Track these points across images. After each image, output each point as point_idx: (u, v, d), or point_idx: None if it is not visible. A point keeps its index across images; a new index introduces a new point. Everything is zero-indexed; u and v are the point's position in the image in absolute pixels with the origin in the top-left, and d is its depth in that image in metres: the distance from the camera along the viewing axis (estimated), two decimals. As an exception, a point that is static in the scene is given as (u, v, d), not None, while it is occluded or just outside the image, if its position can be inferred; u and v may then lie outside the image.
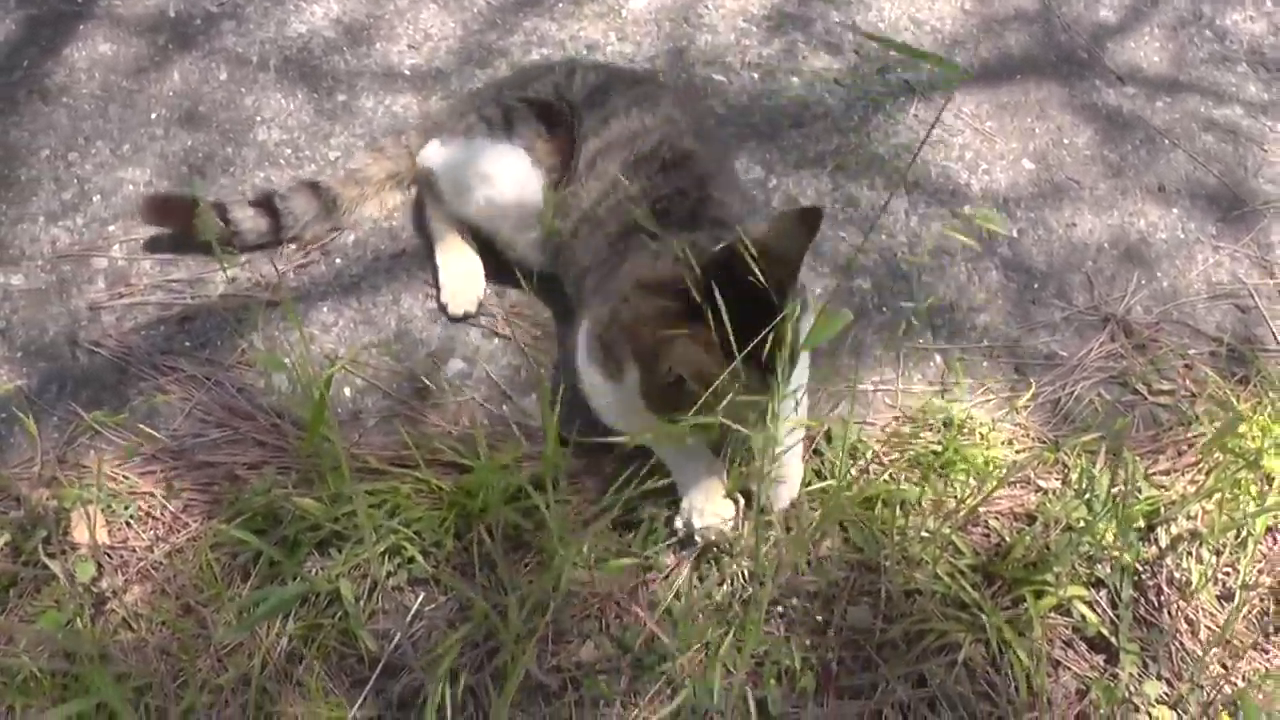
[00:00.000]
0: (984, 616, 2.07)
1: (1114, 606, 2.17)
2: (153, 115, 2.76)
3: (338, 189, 2.56)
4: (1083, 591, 2.15)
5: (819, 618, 2.11)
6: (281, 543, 2.06)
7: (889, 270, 2.63)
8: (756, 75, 2.96)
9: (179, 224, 2.46)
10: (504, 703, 1.81)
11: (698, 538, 2.14)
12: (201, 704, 1.90)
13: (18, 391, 2.27)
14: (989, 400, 2.44)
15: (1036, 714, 2.05)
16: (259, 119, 2.74)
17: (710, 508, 2.14)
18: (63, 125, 2.71)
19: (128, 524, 2.11)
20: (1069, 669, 2.12)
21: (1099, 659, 2.14)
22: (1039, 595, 2.12)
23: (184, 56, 2.87)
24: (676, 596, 2.09)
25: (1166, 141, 2.93)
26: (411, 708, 1.95)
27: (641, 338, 1.93)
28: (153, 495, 2.14)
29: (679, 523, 2.15)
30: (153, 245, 2.52)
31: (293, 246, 2.53)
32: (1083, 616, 2.14)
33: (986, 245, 2.69)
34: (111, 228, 2.54)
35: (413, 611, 2.04)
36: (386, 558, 2.07)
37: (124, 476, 2.16)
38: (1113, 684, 2.09)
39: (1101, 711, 2.07)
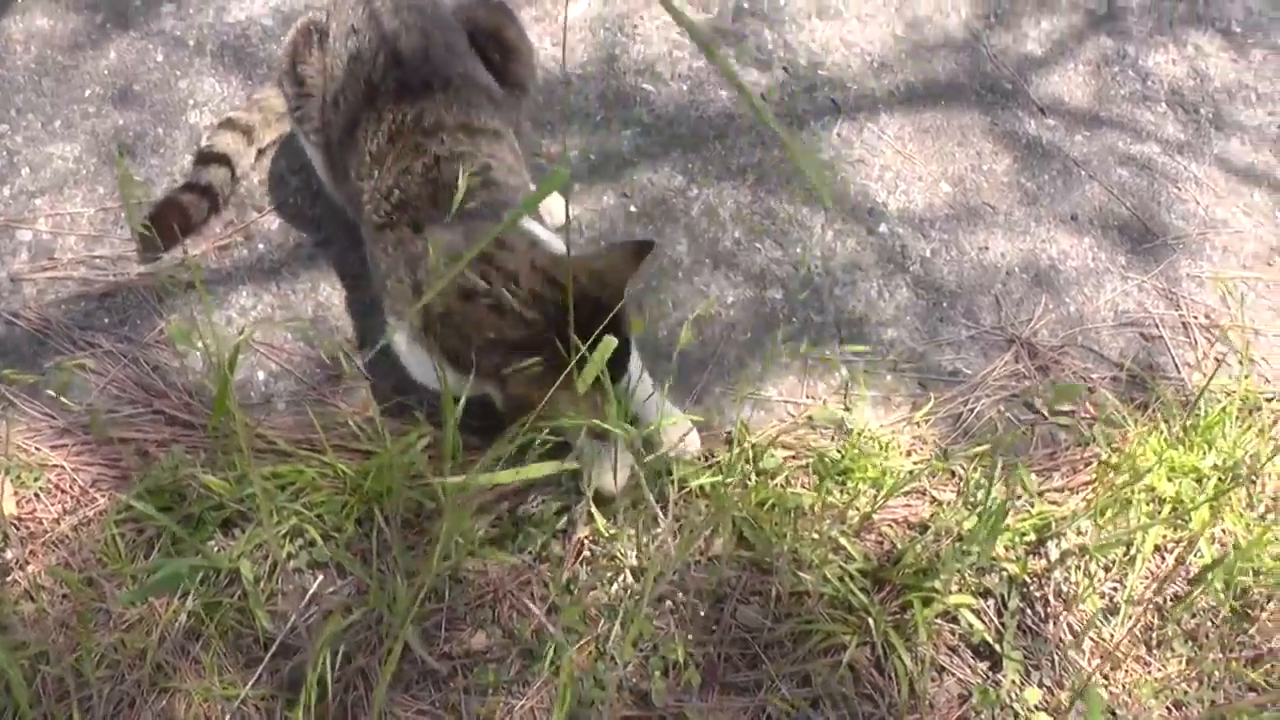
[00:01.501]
0: (870, 620, 2.14)
1: (1001, 615, 2.24)
2: (86, 92, 2.80)
3: (246, 116, 2.66)
4: (970, 600, 2.22)
5: (709, 615, 2.18)
6: (186, 520, 2.11)
7: (801, 282, 2.70)
8: (686, 87, 3.03)
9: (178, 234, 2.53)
10: (384, 683, 1.86)
11: (605, 492, 2.21)
12: (97, 677, 1.95)
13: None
14: (891, 412, 2.51)
15: (918, 716, 2.13)
16: (192, 102, 2.79)
17: (608, 463, 2.21)
18: (-6, 96, 2.76)
19: (36, 496, 2.15)
20: (953, 674, 2.20)
21: (983, 666, 2.22)
22: (926, 602, 2.19)
23: (122, 36, 2.91)
24: (567, 588, 2.15)
25: (1083, 173, 3.03)
26: (303, 688, 2.00)
27: (484, 362, 2.04)
28: (62, 468, 2.18)
29: (582, 485, 2.21)
30: (78, 221, 2.56)
31: (217, 228, 2.57)
32: (969, 624, 2.21)
33: (899, 263, 2.77)
34: (38, 201, 2.59)
35: (310, 593, 2.09)
36: (288, 540, 2.12)
37: (34, 448, 2.20)
38: (994, 690, 2.17)
39: (981, 716, 2.15)
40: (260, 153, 2.69)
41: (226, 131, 2.62)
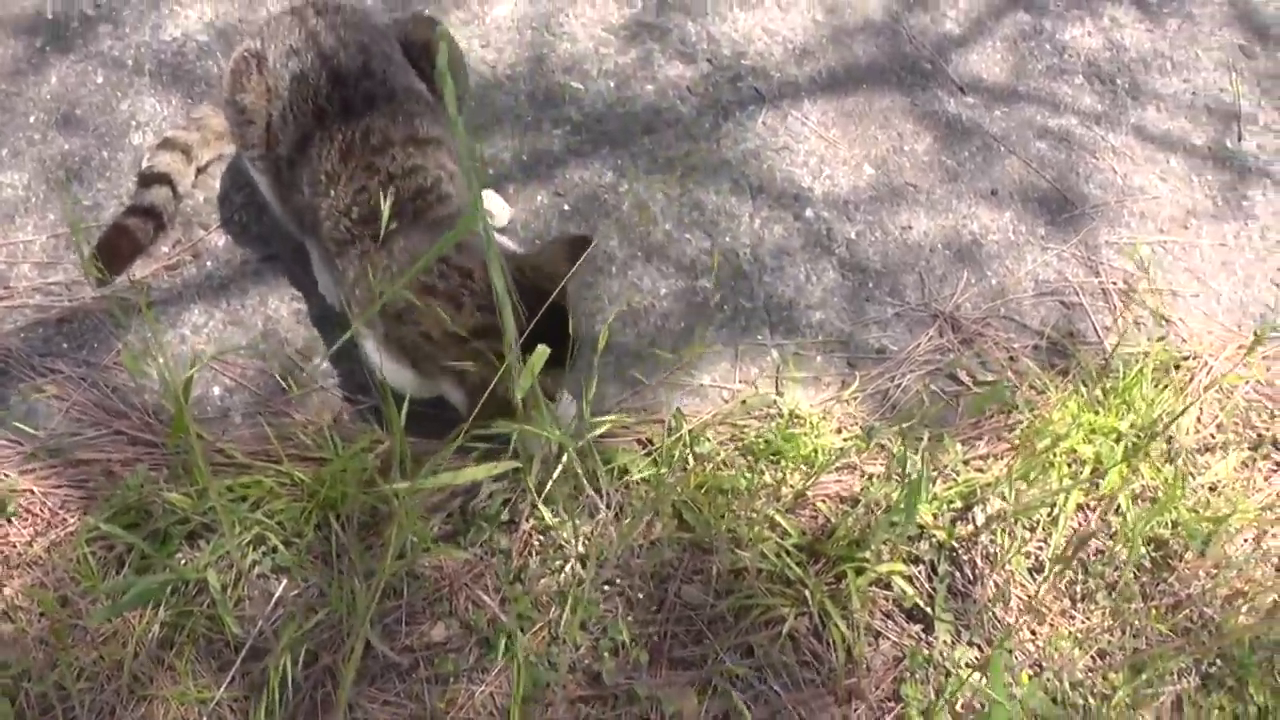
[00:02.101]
0: (807, 592, 2.31)
1: (931, 580, 2.42)
2: (31, 119, 2.91)
3: (185, 135, 2.78)
4: (901, 567, 2.39)
5: (653, 596, 2.35)
6: (153, 536, 2.26)
7: (731, 270, 2.85)
8: (613, 84, 3.17)
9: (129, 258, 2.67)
10: (348, 679, 2.02)
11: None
12: (78, 690, 2.10)
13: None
14: (821, 392, 2.68)
15: (856, 680, 2.30)
16: (134, 123, 2.91)
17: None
18: (-63, 127, 2.87)
19: (8, 520, 2.29)
20: (888, 638, 2.37)
21: (916, 628, 2.39)
22: (859, 571, 2.36)
23: (62, 60, 3.02)
24: (518, 578, 2.32)
25: (1002, 148, 3.18)
26: (273, 687, 2.16)
27: (442, 355, 2.24)
28: (31, 492, 2.32)
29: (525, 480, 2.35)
30: (30, 249, 2.69)
31: (164, 248, 2.71)
32: (902, 590, 2.39)
33: (825, 247, 2.93)
34: (-10, 232, 2.72)
35: (275, 597, 2.25)
36: (251, 548, 2.27)
37: (3, 475, 2.34)
38: (927, 651, 2.35)
39: (916, 676, 2.32)
40: (200, 170, 2.80)
41: (165, 151, 2.72)
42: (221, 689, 2.13)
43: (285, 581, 2.27)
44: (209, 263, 2.73)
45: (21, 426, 2.40)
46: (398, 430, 2.05)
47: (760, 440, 2.55)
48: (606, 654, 2.26)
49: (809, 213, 2.99)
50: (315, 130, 2.38)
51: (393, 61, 2.50)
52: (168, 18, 3.16)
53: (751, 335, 2.75)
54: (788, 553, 2.37)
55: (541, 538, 2.37)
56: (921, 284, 2.91)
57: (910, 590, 2.38)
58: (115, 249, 2.61)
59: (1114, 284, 2.95)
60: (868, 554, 2.38)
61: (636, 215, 2.92)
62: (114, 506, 2.27)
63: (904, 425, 2.57)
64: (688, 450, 2.52)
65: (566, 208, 2.90)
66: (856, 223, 2.98)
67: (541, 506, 2.35)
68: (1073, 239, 3.02)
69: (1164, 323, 2.87)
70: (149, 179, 2.70)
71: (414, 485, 1.93)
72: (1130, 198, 3.13)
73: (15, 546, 2.26)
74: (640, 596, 2.34)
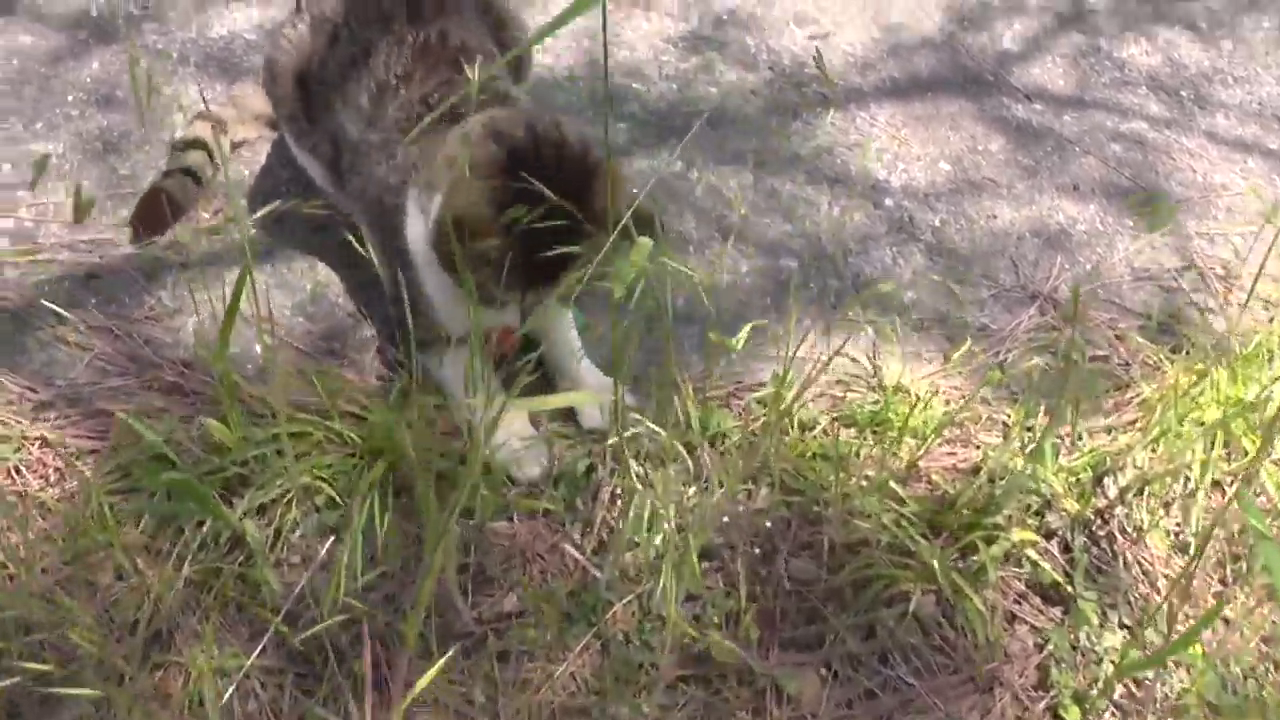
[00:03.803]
0: (935, 563, 1.76)
1: (1067, 556, 1.88)
2: (69, 98, 2.45)
3: (219, 110, 2.36)
4: (1033, 537, 1.86)
5: (759, 569, 1.81)
6: (180, 487, 1.71)
7: (815, 252, 2.37)
8: (675, 86, 2.73)
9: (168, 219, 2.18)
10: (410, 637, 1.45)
11: (515, 475, 1.86)
12: (83, 651, 1.53)
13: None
14: (922, 367, 2.18)
15: (995, 665, 1.76)
16: (176, 106, 2.45)
17: (518, 445, 1.87)
18: (-26, 102, 2.40)
19: (15, 469, 1.75)
20: (1024, 621, 1.84)
21: (1056, 611, 1.85)
22: (989, 541, 1.83)
23: (104, 50, 2.58)
24: (604, 546, 1.77)
25: (1077, 149, 2.73)
26: (313, 659, 1.60)
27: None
28: (44, 439, 1.78)
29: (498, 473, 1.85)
30: (61, 210, 2.20)
31: (205, 214, 2.21)
32: (1033, 564, 1.86)
33: (909, 232, 2.45)
34: (20, 193, 2.22)
35: (319, 560, 1.69)
36: (295, 503, 1.72)
37: (14, 421, 1.80)
38: (1070, 634, 1.82)
39: (1062, 664, 1.78)
40: (235, 146, 2.36)
41: (199, 122, 2.29)
42: (252, 657, 1.55)
43: (331, 541, 1.71)
44: (253, 230, 2.22)
45: (41, 375, 1.87)
46: (476, 347, 1.52)
47: (864, 410, 2.02)
48: (713, 628, 1.69)
49: (889, 202, 2.51)
50: (379, 38, 1.96)
51: None
52: (215, 18, 2.73)
53: (842, 312, 2.25)
54: (910, 522, 1.82)
55: (628, 503, 1.81)
56: (1014, 268, 2.42)
57: (1045, 566, 1.83)
58: (154, 209, 2.12)
59: (1212, 269, 2.46)
60: (999, 519, 1.83)
61: (710, 199, 2.44)
62: (136, 453, 1.72)
63: (1020, 395, 2.05)
64: (787, 420, 1.98)
65: (635, 191, 2.40)
66: (939, 212, 2.51)
67: (631, 464, 1.80)
68: (1162, 229, 2.53)
69: (1268, 306, 2.36)
70: (185, 144, 2.24)
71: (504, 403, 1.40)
72: (1214, 193, 2.67)
73: (23, 495, 1.70)
74: (744, 570, 1.78)
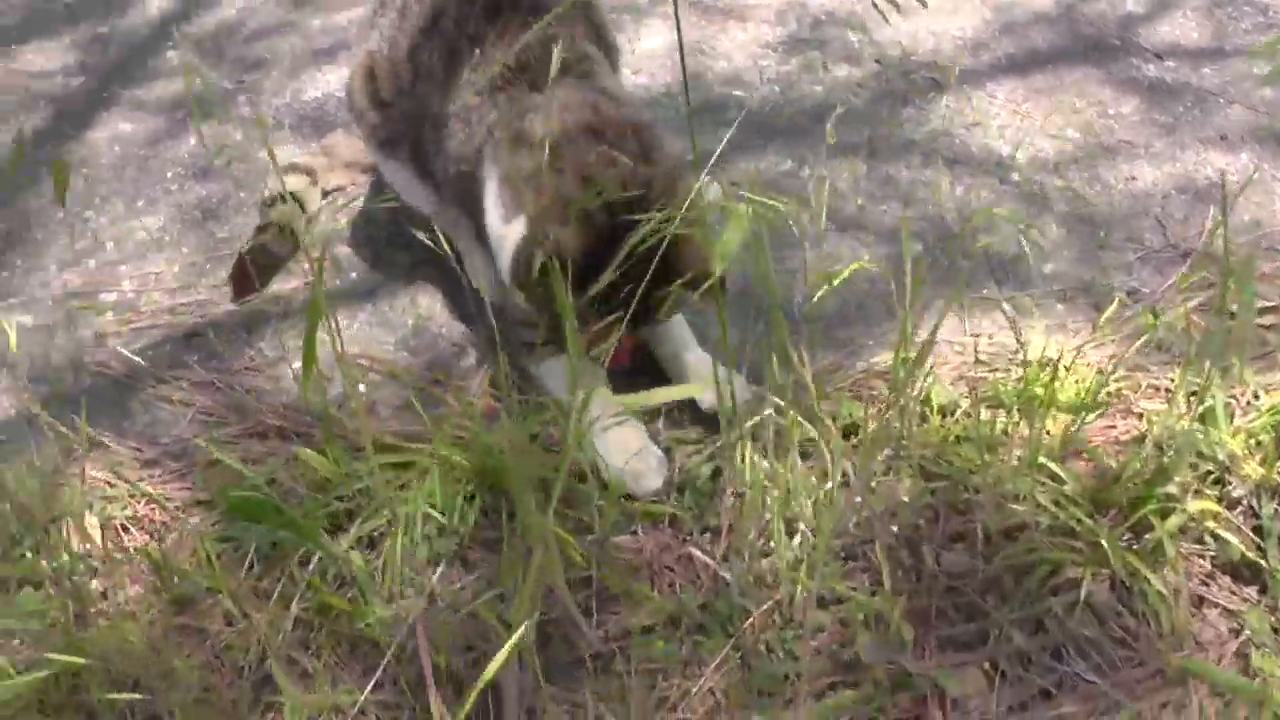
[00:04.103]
0: (1104, 543, 1.58)
1: (1255, 524, 1.68)
2: (168, 174, 2.47)
3: (309, 160, 2.33)
4: (1214, 507, 1.66)
5: (907, 566, 1.65)
6: (287, 528, 1.64)
7: (940, 235, 2.22)
8: (777, 89, 2.63)
9: (260, 281, 2.15)
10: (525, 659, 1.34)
11: (635, 490, 1.73)
12: (191, 700, 1.46)
13: (19, 409, 1.93)
14: (1070, 338, 1.99)
15: (1186, 654, 1.56)
16: (272, 168, 2.42)
17: (634, 459, 1.74)
18: (80, 190, 2.43)
19: (123, 527, 1.71)
20: (1214, 604, 1.63)
21: (1250, 590, 1.64)
22: (1164, 516, 1.63)
23: (202, 125, 2.59)
24: (735, 552, 1.63)
25: (1220, 100, 2.54)
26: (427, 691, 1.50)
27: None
28: (150, 496, 1.74)
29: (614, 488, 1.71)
30: (162, 279, 2.19)
31: (305, 264, 2.17)
32: (1217, 538, 1.65)
33: (1042, 204, 2.28)
34: (123, 268, 2.23)
35: (429, 589, 1.60)
36: (402, 533, 1.63)
37: (122, 480, 1.76)
38: (1271, 614, 1.60)
39: (1265, 647, 1.57)
40: (326, 194, 2.32)
41: (290, 174, 2.28)
42: (365, 692, 1.46)
43: (442, 568, 1.61)
44: (353, 274, 2.19)
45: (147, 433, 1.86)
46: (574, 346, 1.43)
47: (1008, 387, 1.85)
48: (861, 632, 1.54)
49: (1015, 176, 2.36)
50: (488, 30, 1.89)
51: None
52: (308, 84, 2.73)
53: (976, 290, 2.09)
54: (1073, 502, 1.64)
55: (758, 504, 1.67)
56: (1161, 227, 2.23)
57: (1233, 539, 1.63)
58: (246, 267, 2.07)
59: (1392, 214, 2.23)
60: (1171, 489, 1.63)
61: (821, 194, 2.31)
62: (242, 498, 1.66)
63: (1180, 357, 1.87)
64: (925, 406, 1.82)
65: (743, 193, 2.29)
66: (1072, 180, 2.34)
67: (756, 462, 1.67)
68: (1327, 176, 2.32)
69: None
70: (275, 199, 2.21)
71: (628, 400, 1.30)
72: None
73: (129, 550, 1.66)
74: (889, 566, 1.62)
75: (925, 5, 1.39)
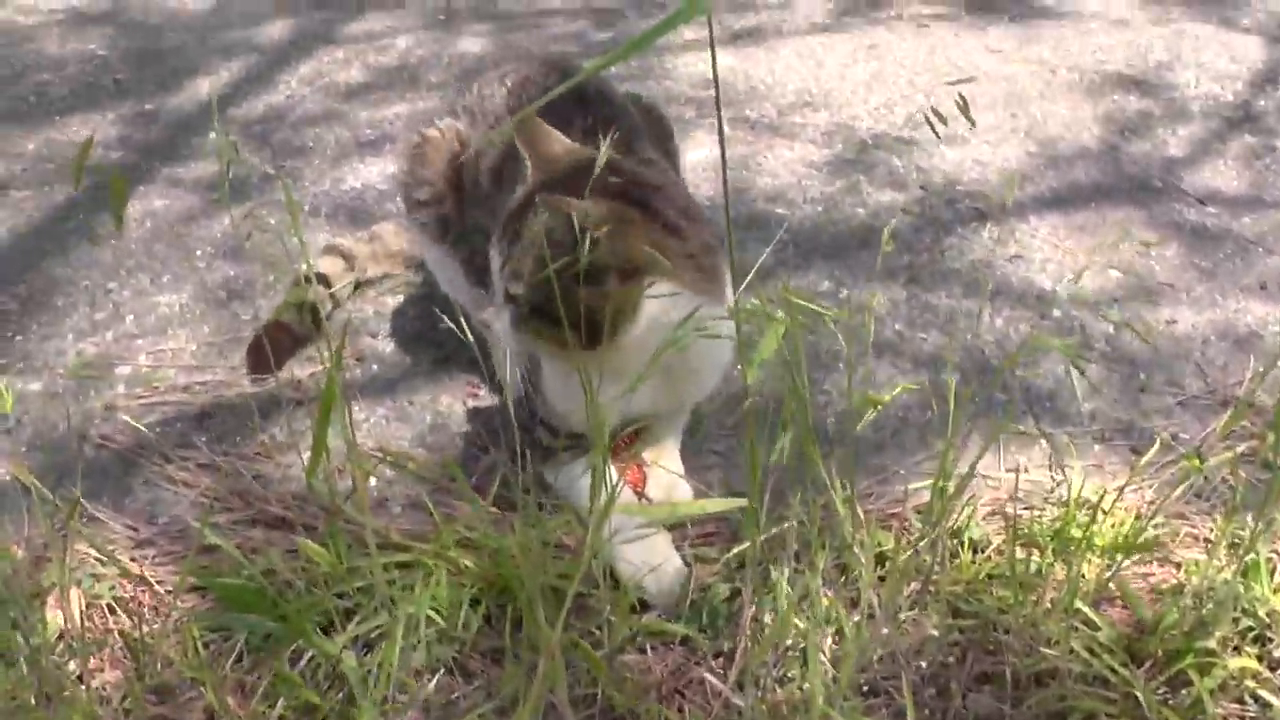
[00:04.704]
0: (1140, 696, 1.48)
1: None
2: (197, 252, 2.44)
3: (350, 245, 2.28)
4: (1255, 665, 1.56)
5: (932, 706, 1.55)
6: (280, 621, 1.56)
7: (977, 365, 2.16)
8: (820, 208, 2.59)
9: (278, 360, 2.08)
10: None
11: (651, 597, 1.65)
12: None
13: (13, 478, 1.85)
14: (1107, 480, 1.91)
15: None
16: (301, 249, 2.39)
17: (653, 563, 1.66)
18: (106, 262, 2.40)
19: (109, 608, 1.62)
20: (1258, 770, 1.52)
21: (1291, 756, 1.53)
22: (1202, 671, 1.53)
23: (236, 207, 2.56)
24: (752, 682, 1.53)
25: (1260, 249, 2.49)
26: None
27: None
28: (141, 578, 1.66)
29: (633, 592, 1.63)
30: (179, 355, 2.13)
31: (326, 351, 2.11)
32: (1254, 697, 1.55)
33: (1082, 341, 2.22)
34: (140, 341, 2.18)
35: (426, 699, 1.51)
36: (401, 636, 1.55)
37: (112, 558, 1.68)
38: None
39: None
40: (360, 284, 2.28)
41: (326, 256, 2.25)
42: (353, 804, 1.36)
43: (440, 675, 1.52)
44: (375, 366, 2.13)
45: (142, 513, 1.78)
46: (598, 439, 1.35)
47: (1045, 527, 1.77)
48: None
49: (1056, 312, 2.30)
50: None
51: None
52: (348, 173, 2.71)
53: (1013, 424, 2.01)
54: (1108, 650, 1.55)
55: (777, 631, 1.58)
56: (1201, 373, 2.16)
57: (1277, 702, 1.53)
58: (273, 340, 2.02)
59: None
60: (1211, 643, 1.54)
61: (861, 316, 2.25)
62: (235, 587, 1.58)
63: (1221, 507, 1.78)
64: (955, 540, 1.74)
65: (780, 314, 2.23)
66: (1112, 319, 2.27)
67: (782, 586, 1.58)
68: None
69: None
70: (304, 279, 2.13)
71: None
72: None
73: (112, 633, 1.57)
74: (914, 706, 1.52)
75: (973, 124, 1.34)
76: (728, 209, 1.21)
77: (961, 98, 1.27)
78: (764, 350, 1.30)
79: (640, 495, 1.78)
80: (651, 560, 1.64)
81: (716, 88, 1.10)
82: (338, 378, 1.32)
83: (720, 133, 1.05)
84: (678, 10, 0.88)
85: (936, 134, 1.31)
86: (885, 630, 1.55)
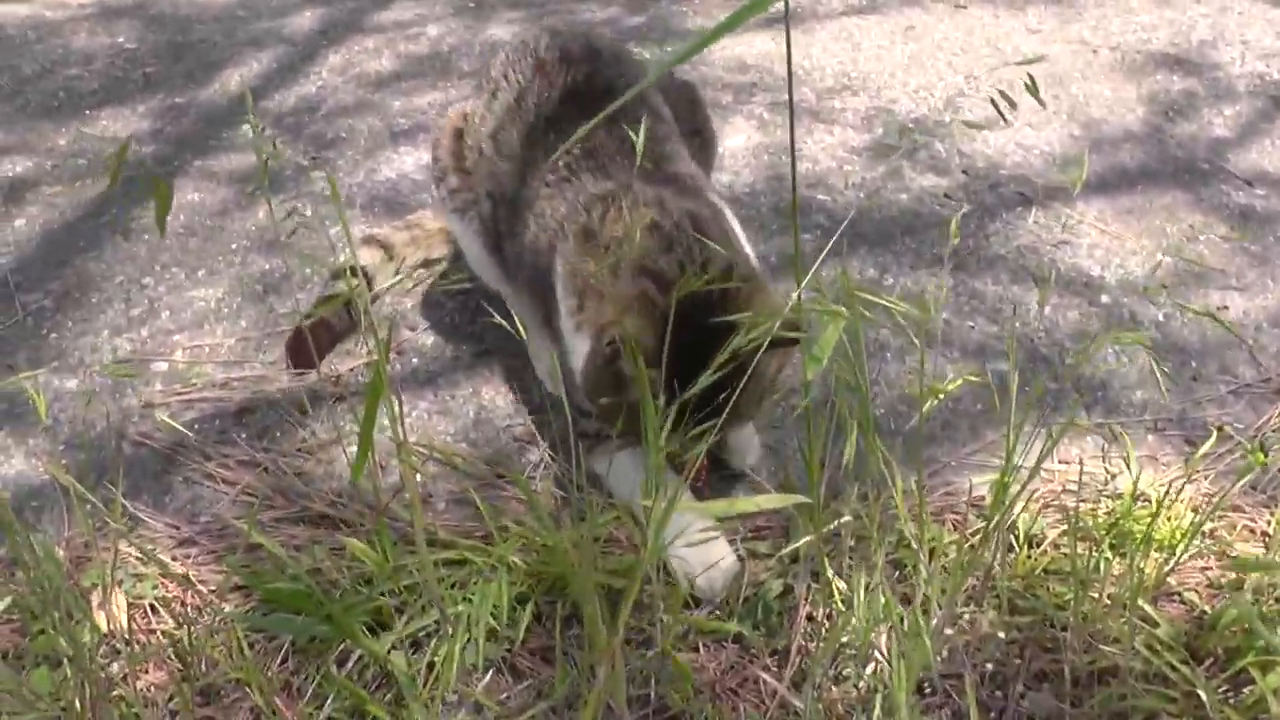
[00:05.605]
0: (1202, 694, 1.45)
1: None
2: (232, 246, 2.41)
3: (388, 234, 2.25)
4: (1323, 663, 1.52)
5: (990, 705, 1.52)
6: (325, 621, 1.54)
7: (1027, 354, 2.12)
8: (862, 194, 2.55)
9: (318, 354, 2.06)
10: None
11: (701, 592, 1.63)
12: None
13: (53, 477, 1.83)
14: (1161, 472, 1.88)
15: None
16: (341, 244, 2.37)
17: (707, 558, 1.63)
18: (141, 257, 2.38)
19: (151, 608, 1.61)
20: (1322, 768, 1.48)
21: (1358, 757, 1.49)
22: (1264, 669, 1.50)
23: (272, 199, 2.53)
24: (805, 679, 1.51)
25: (1314, 232, 2.43)
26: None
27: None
28: (185, 578, 1.64)
29: (684, 587, 1.61)
30: (216, 351, 2.12)
31: (366, 345, 2.10)
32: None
33: (1132, 329, 2.18)
34: (177, 337, 2.16)
35: (476, 696, 1.49)
36: (454, 636, 1.53)
37: (154, 558, 1.67)
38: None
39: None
40: (400, 271, 2.24)
41: (364, 247, 2.21)
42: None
43: (490, 675, 1.50)
44: (415, 359, 2.11)
45: (184, 511, 1.77)
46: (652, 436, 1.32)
47: (1102, 521, 1.73)
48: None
49: (1105, 298, 2.25)
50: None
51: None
52: (383, 164, 2.69)
53: (1064, 414, 1.97)
54: (1169, 648, 1.52)
55: (833, 628, 1.56)
56: (1255, 361, 2.11)
57: (1341, 700, 1.49)
58: (310, 338, 2.00)
59: None
60: (1275, 640, 1.50)
61: (907, 304, 2.21)
62: (280, 586, 1.56)
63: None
64: (1010, 534, 1.71)
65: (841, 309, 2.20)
66: (1162, 306, 2.23)
67: (836, 584, 1.56)
68: None
69: None
70: (342, 271, 2.12)
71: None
72: None
73: (156, 634, 1.56)
74: (972, 704, 1.49)
75: (1043, 105, 1.30)
76: (795, 218, 1.18)
77: (1030, 78, 1.23)
78: (825, 346, 1.27)
79: (700, 486, 1.74)
80: (707, 557, 1.62)
81: (790, 81, 1.06)
82: (385, 371, 1.29)
83: (791, 137, 1.01)
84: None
85: (1004, 118, 1.27)
86: (948, 630, 1.52)
